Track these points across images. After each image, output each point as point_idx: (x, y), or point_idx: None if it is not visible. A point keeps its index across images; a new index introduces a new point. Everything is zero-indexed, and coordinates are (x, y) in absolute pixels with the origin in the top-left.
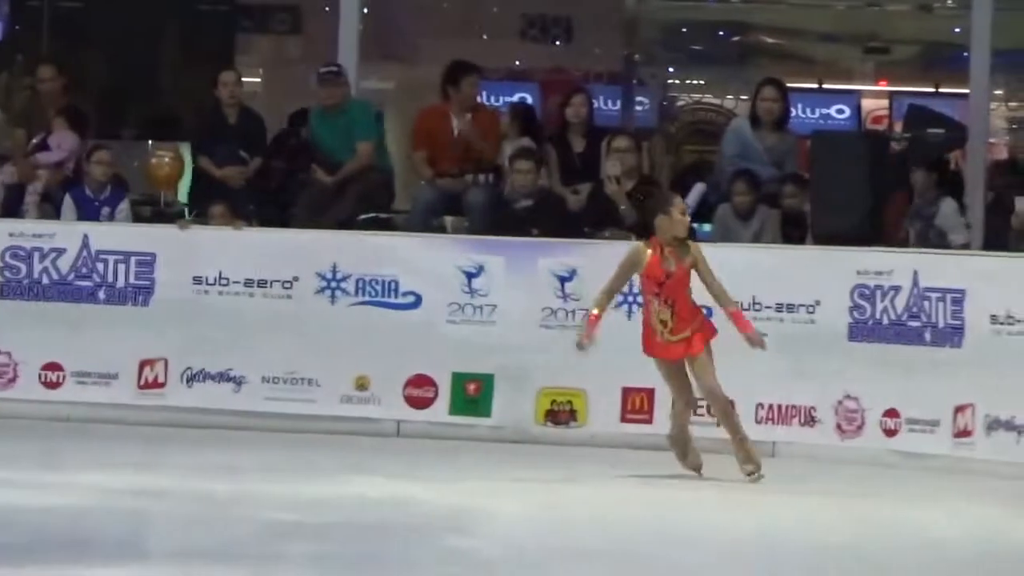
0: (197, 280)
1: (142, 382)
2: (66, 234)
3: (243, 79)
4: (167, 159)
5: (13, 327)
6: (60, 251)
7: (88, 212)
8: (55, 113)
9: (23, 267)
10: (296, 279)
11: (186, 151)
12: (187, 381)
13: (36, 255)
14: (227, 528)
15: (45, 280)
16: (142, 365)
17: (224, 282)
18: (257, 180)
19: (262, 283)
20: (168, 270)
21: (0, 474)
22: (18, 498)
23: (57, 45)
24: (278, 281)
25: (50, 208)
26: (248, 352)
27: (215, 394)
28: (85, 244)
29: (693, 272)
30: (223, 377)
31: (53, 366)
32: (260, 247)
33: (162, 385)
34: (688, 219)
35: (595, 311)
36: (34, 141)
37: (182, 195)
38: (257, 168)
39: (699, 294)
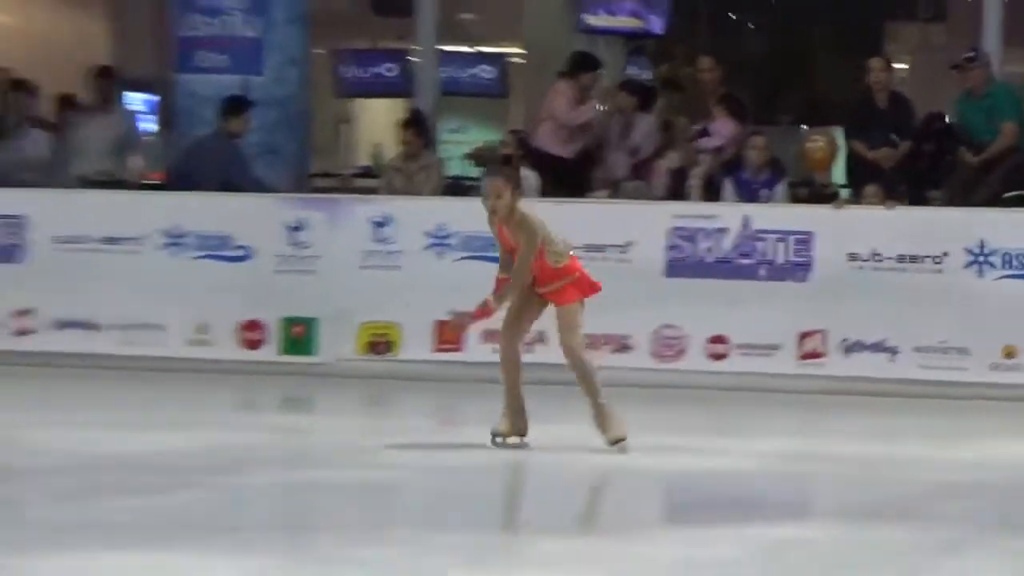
0: (852, 256)
1: (802, 353)
2: (728, 215)
3: (892, 65)
4: (821, 143)
5: (681, 303)
6: (723, 231)
7: (747, 194)
8: (715, 102)
9: (688, 246)
10: (946, 254)
11: (839, 135)
12: (845, 351)
13: (700, 235)
14: (884, 488)
15: (709, 259)
16: (801, 337)
17: (878, 258)
18: (907, 162)
19: (914, 259)
20: (825, 247)
21: (674, 440)
22: (690, 462)
23: (714, 36)
24: (928, 256)
25: (711, 191)
26: (901, 324)
27: (871, 364)
28: (746, 224)
29: None
30: (878, 347)
31: (718, 339)
32: (911, 225)
33: (821, 356)
34: (495, 202)
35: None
36: (696, 128)
37: (837, 177)
38: (907, 151)
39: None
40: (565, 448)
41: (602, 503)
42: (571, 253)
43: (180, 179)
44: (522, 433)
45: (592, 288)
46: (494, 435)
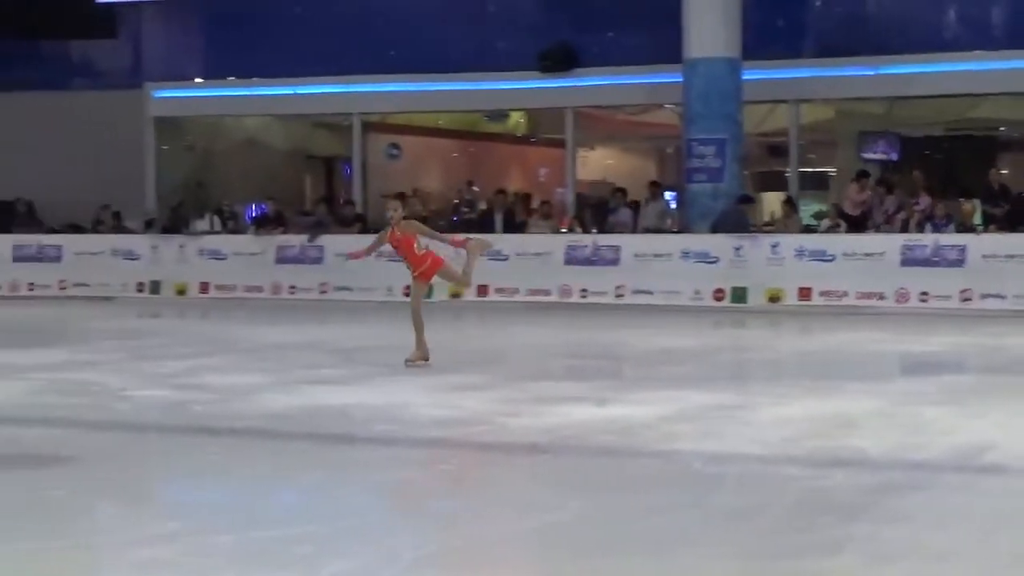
0: (983, 255)
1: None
2: (927, 240)
3: (1000, 173)
4: (969, 205)
5: (909, 275)
6: (925, 246)
7: (935, 230)
8: (921, 189)
9: (910, 252)
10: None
11: (977, 203)
12: (983, 297)
13: (916, 248)
14: (908, 346)
15: (919, 258)
16: (961, 291)
17: (997, 256)
18: (1010, 211)
19: (1011, 257)
20: (971, 251)
21: (840, 331)
22: (828, 342)
23: (920, 160)
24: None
25: (920, 228)
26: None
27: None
28: (935, 242)
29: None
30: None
31: (911, 291)
32: (1007, 240)
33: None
34: (393, 214)
35: (363, 251)
36: (912, 200)
37: (976, 220)
38: (1009, 207)
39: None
40: (744, 346)
41: (778, 365)
42: (429, 250)
43: (715, 228)
44: (426, 358)
45: (438, 265)
46: (407, 361)
